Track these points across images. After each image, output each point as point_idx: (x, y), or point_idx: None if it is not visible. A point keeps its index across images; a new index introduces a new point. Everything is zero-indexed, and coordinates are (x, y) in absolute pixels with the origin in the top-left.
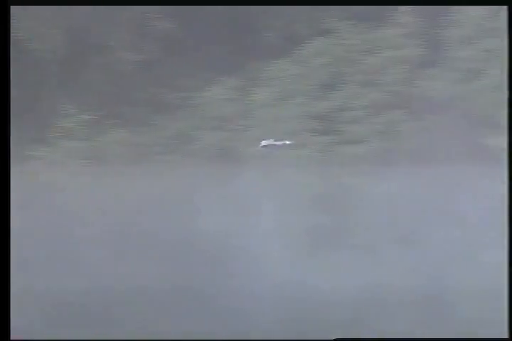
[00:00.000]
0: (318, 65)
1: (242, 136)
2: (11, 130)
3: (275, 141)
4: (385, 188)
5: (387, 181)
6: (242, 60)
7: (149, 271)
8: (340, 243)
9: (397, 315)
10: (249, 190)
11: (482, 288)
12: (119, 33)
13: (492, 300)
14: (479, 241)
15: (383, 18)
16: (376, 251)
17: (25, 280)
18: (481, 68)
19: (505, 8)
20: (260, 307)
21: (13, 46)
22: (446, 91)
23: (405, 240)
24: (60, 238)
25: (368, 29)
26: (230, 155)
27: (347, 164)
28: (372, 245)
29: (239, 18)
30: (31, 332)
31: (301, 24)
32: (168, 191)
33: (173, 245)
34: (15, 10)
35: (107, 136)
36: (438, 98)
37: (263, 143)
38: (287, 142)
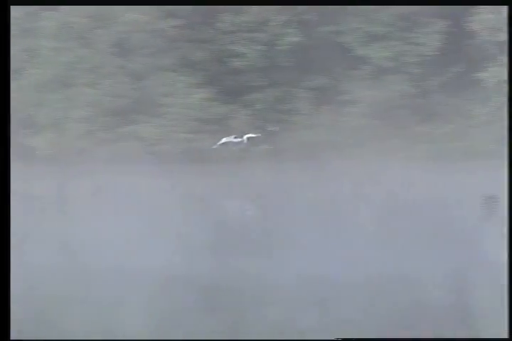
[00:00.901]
0: None
1: None
2: None
3: (235, 138)
4: None
5: None
6: None
7: None
8: None
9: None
10: None
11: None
12: None
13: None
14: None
15: None
16: None
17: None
18: (20, 67)
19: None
20: None
21: None
22: None
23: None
24: None
25: None
26: None
27: None
28: None
29: None
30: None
31: None
32: None
33: None
34: None
35: None
36: None
37: (222, 140)
38: (252, 136)
